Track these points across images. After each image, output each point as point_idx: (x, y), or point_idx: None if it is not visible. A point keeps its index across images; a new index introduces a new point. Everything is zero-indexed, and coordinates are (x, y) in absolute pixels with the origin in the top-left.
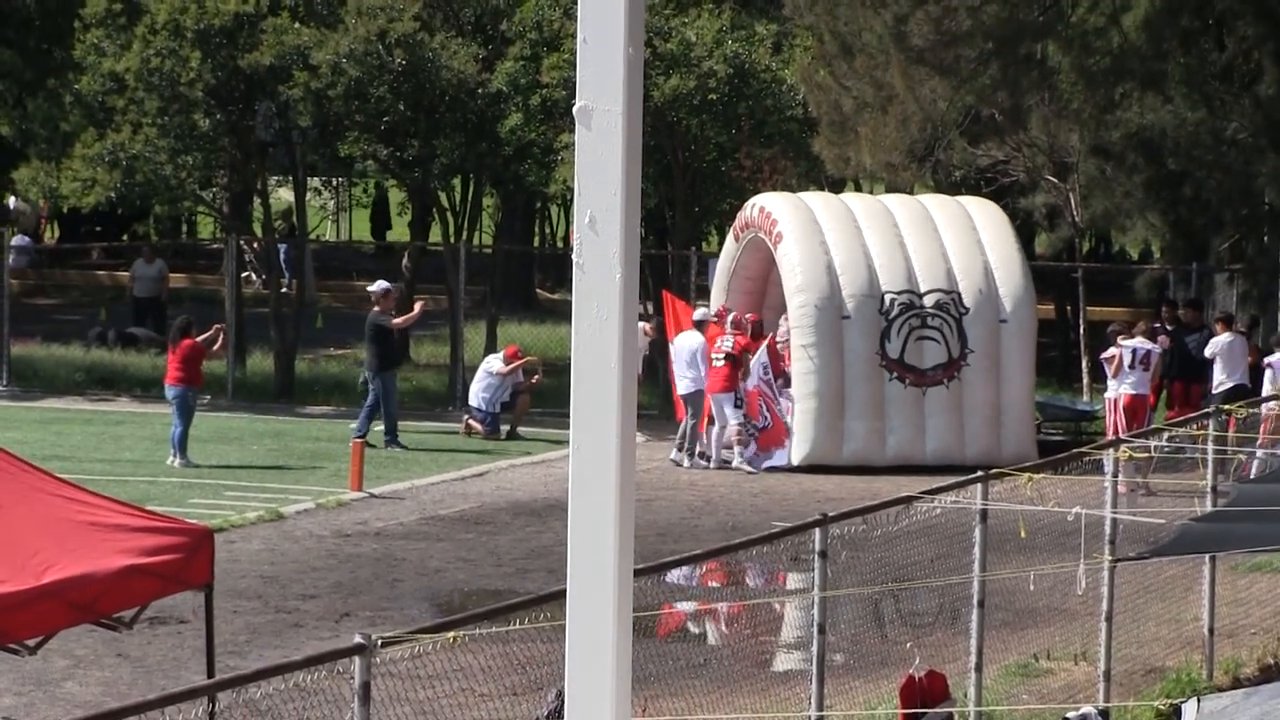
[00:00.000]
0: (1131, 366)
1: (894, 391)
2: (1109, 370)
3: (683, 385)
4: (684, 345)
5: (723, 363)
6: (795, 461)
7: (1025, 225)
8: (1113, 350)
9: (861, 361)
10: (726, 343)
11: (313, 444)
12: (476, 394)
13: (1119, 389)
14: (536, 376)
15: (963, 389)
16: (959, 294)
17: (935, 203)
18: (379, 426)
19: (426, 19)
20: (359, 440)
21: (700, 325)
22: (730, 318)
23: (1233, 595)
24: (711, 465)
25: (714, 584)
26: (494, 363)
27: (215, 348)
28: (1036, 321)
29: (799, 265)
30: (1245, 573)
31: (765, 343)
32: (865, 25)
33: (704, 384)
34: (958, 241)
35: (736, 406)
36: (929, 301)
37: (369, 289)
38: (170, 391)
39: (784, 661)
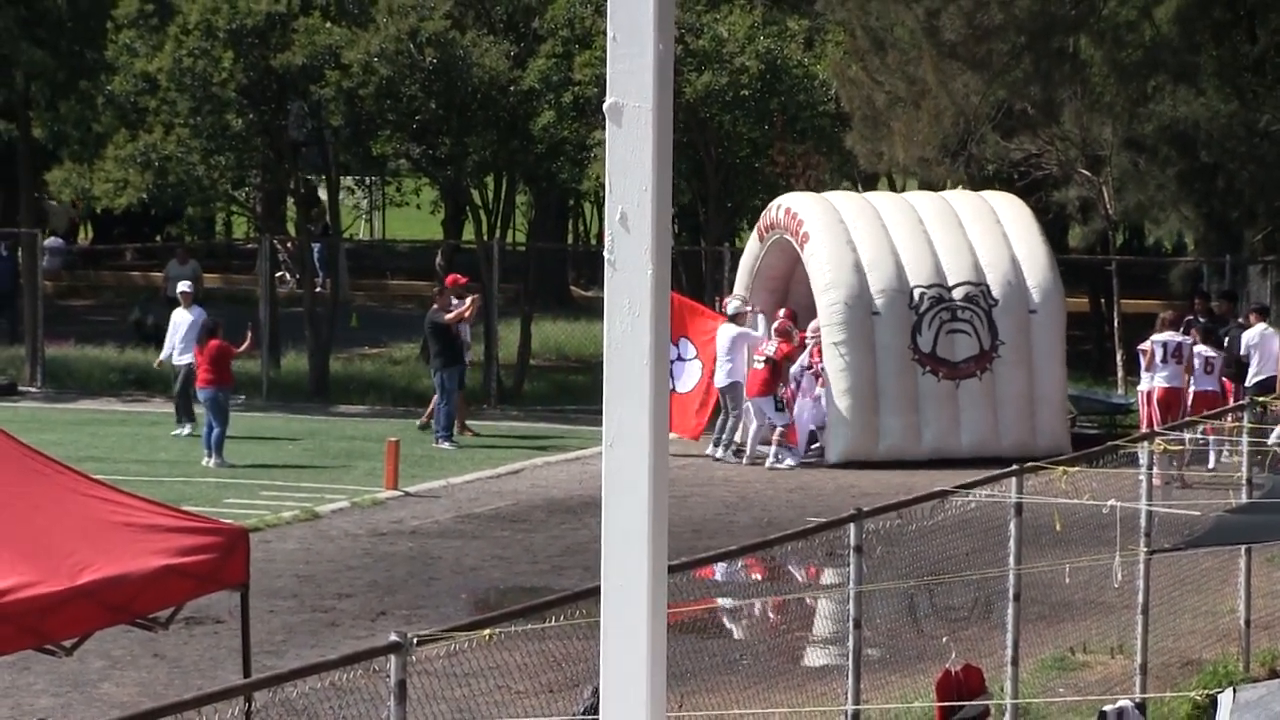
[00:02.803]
0: (1164, 360)
1: (927, 385)
2: (1144, 362)
3: (719, 377)
4: (723, 336)
5: (763, 366)
6: (832, 459)
7: (1058, 219)
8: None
9: (893, 357)
10: (769, 347)
11: (347, 443)
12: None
13: (1152, 382)
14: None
15: (995, 381)
16: (987, 286)
17: (959, 198)
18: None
19: (458, 17)
20: (444, 442)
21: (736, 318)
22: (775, 325)
23: (1268, 587)
24: (744, 462)
25: (749, 580)
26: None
27: (244, 348)
28: (1066, 312)
29: (827, 264)
30: None
31: (809, 349)
32: (897, 20)
33: (740, 375)
34: (983, 234)
35: (778, 410)
36: (958, 294)
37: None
38: (202, 394)
39: (820, 657)
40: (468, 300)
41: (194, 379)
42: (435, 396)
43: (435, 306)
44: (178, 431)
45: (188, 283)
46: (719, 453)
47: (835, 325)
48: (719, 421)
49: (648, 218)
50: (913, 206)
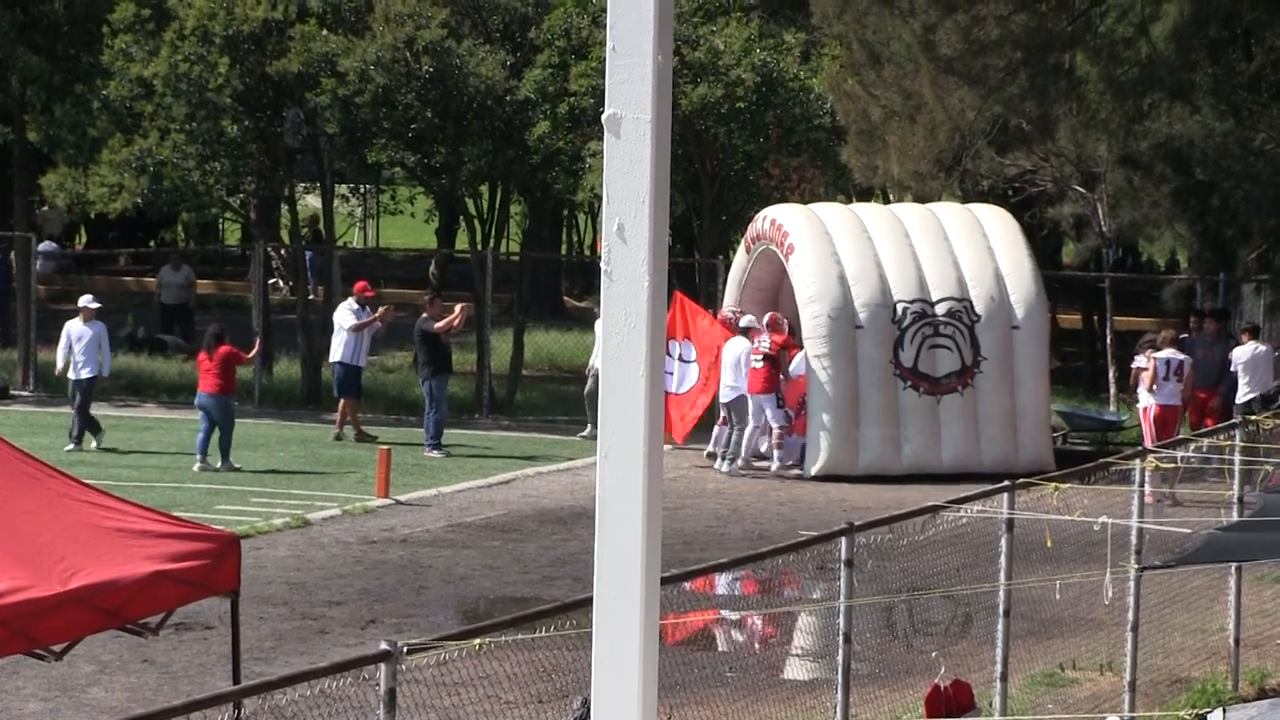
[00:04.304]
0: (1166, 378)
1: (908, 400)
2: (1144, 380)
3: (724, 392)
4: (730, 352)
5: (761, 364)
6: (812, 471)
7: (1053, 235)
8: (1143, 360)
9: (875, 371)
10: (764, 343)
11: (339, 450)
12: (335, 354)
13: (1153, 399)
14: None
15: (977, 396)
16: (970, 301)
17: (946, 211)
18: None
19: (454, 26)
20: (432, 451)
21: (745, 332)
22: (767, 318)
23: (1258, 606)
24: (739, 463)
25: (740, 593)
26: (345, 316)
27: (251, 355)
28: (1050, 327)
29: (811, 276)
30: (1271, 583)
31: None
32: (894, 34)
33: (744, 389)
34: (968, 249)
35: (779, 407)
36: (941, 310)
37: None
38: (212, 401)
39: (809, 670)
40: (457, 309)
41: (91, 394)
42: (429, 409)
43: (425, 315)
44: (71, 447)
45: (90, 297)
46: (725, 467)
47: (818, 338)
48: (725, 436)
49: (645, 229)
50: (899, 219)
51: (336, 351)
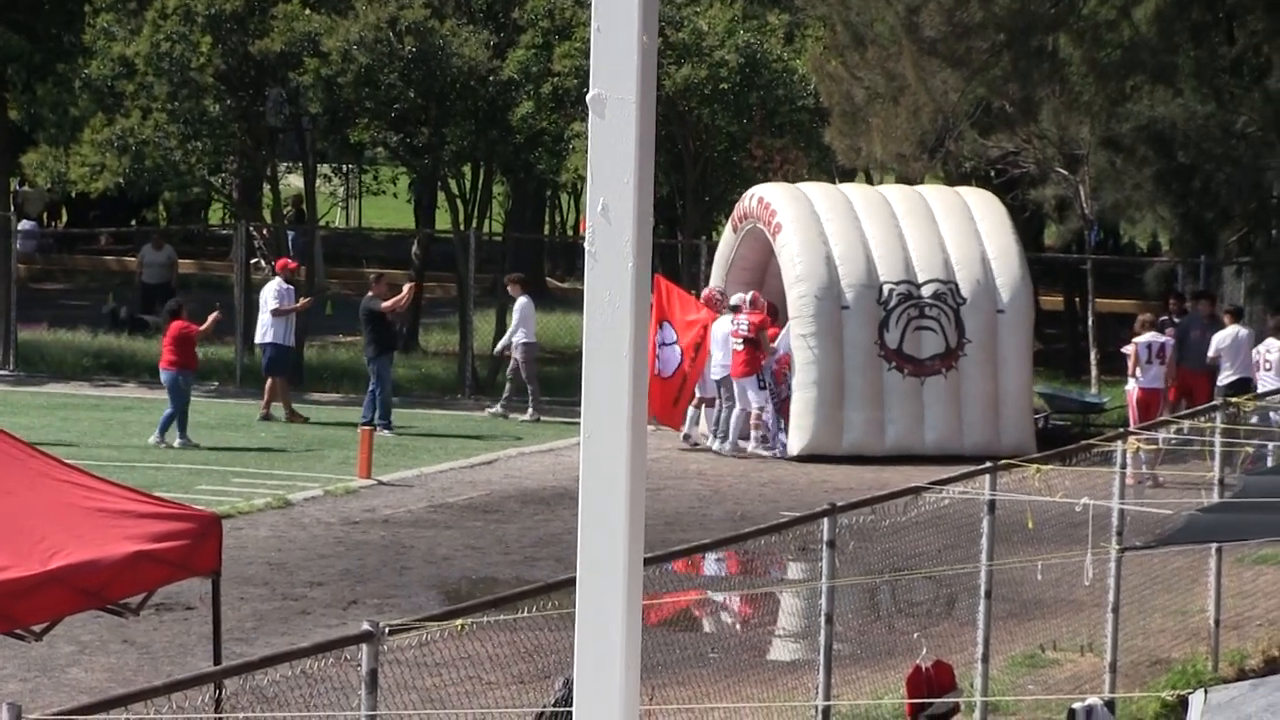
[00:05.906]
0: (1149, 361)
1: (893, 381)
2: (1130, 365)
3: (714, 370)
4: (720, 330)
5: (742, 346)
6: (794, 451)
7: (1035, 217)
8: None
9: (860, 351)
10: (742, 325)
11: (321, 431)
12: (265, 335)
13: (1134, 383)
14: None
15: (961, 379)
16: (956, 284)
17: (933, 193)
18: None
19: (437, 6)
20: (366, 427)
21: (736, 311)
22: (747, 296)
23: (1238, 587)
24: (728, 445)
25: (722, 573)
26: (271, 299)
27: (203, 329)
28: (1034, 312)
29: (798, 255)
30: (1251, 565)
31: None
32: (877, 16)
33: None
34: (955, 232)
35: (761, 388)
36: (927, 292)
37: None
38: (163, 376)
39: (790, 651)
40: (405, 289)
41: None
42: (373, 387)
43: (371, 294)
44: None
45: None
46: (717, 445)
47: (804, 318)
48: (715, 414)
49: (629, 209)
50: (886, 200)
51: (266, 334)
